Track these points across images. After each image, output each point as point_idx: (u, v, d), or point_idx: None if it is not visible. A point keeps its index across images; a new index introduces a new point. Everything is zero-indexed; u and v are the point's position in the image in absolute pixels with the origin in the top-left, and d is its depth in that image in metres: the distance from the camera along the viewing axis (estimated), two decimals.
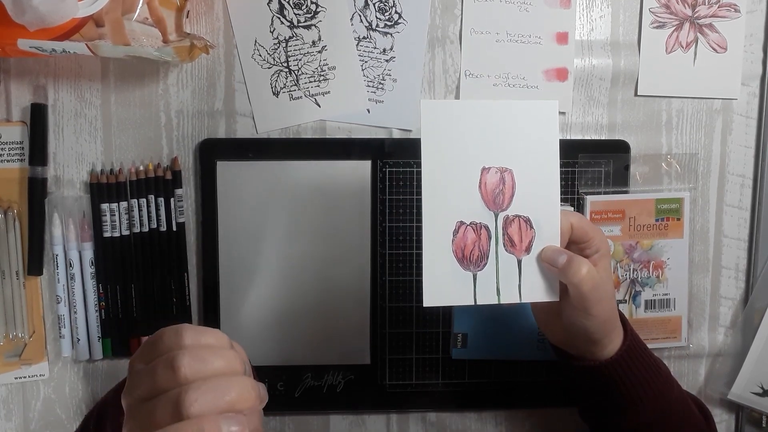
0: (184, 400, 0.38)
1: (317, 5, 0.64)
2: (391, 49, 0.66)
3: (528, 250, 0.52)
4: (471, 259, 0.51)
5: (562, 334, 0.57)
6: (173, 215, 0.65)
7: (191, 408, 0.38)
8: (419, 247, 0.65)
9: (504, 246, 0.51)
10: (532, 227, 0.52)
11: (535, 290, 0.52)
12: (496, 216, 0.51)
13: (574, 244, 0.53)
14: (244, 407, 0.40)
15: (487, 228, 0.51)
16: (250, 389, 0.40)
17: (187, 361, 0.39)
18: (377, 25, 0.65)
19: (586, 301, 0.51)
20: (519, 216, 0.52)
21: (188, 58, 0.59)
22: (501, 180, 0.51)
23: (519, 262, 0.52)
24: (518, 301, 0.52)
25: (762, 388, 0.70)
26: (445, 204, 0.50)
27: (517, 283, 0.52)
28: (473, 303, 0.51)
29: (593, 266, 0.51)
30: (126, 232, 0.64)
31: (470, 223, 0.51)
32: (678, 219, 0.69)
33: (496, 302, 0.52)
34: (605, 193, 0.68)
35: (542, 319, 0.59)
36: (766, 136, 0.70)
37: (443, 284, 0.51)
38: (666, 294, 0.69)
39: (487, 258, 0.51)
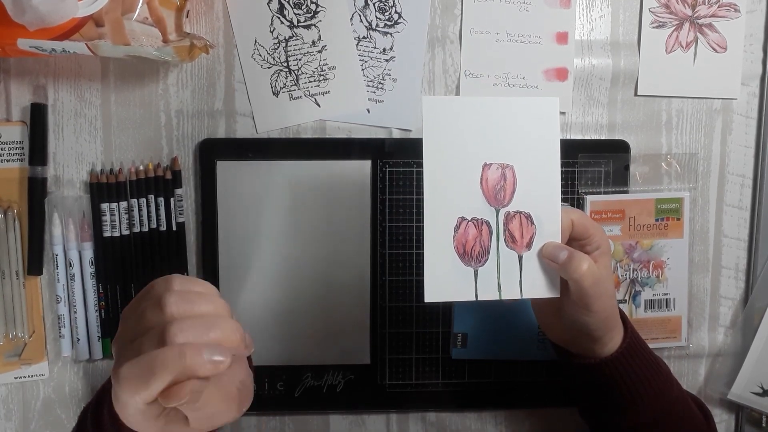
0: (168, 331, 0.38)
1: (317, 5, 0.64)
2: (391, 48, 0.66)
3: (529, 246, 0.52)
4: (472, 254, 0.51)
5: (562, 332, 0.57)
6: (173, 215, 0.65)
7: (175, 338, 0.38)
8: (419, 246, 0.66)
9: (505, 242, 0.52)
10: (533, 223, 0.52)
11: (536, 286, 0.52)
12: (497, 212, 0.51)
13: (574, 240, 0.53)
14: (229, 347, 0.40)
15: (488, 224, 0.51)
16: (235, 330, 0.41)
17: (174, 300, 0.40)
18: (377, 25, 0.65)
19: (586, 297, 0.51)
20: (520, 212, 0.52)
21: (188, 57, 0.59)
22: (502, 176, 0.51)
23: (520, 258, 0.52)
24: (519, 297, 0.52)
25: (762, 388, 0.70)
26: (446, 200, 0.50)
27: (518, 279, 0.52)
28: (474, 299, 0.51)
29: (594, 263, 0.51)
30: (126, 232, 0.64)
31: (471, 219, 0.51)
32: (678, 219, 0.69)
33: (497, 298, 0.52)
34: (605, 193, 0.68)
35: (543, 317, 0.59)
36: (766, 136, 0.70)
37: (444, 280, 0.51)
38: (666, 294, 0.69)
39: (488, 254, 0.51)
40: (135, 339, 0.40)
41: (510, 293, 0.52)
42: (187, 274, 0.66)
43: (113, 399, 0.42)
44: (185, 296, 0.41)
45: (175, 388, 0.38)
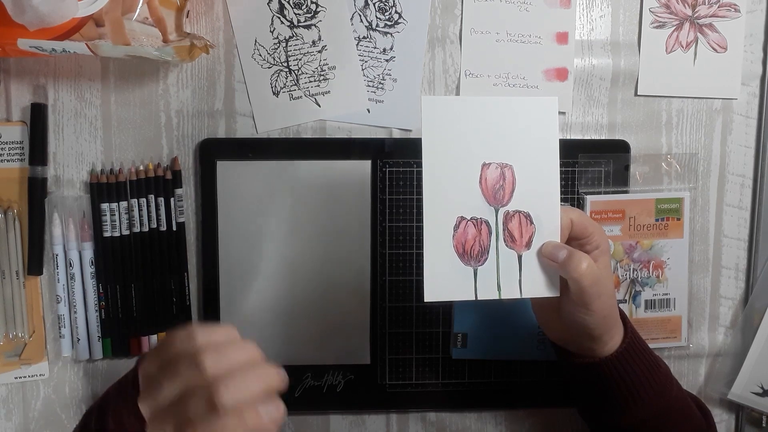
0: (217, 394, 0.38)
1: (317, 5, 0.64)
2: (391, 48, 0.66)
3: (528, 245, 0.52)
4: (471, 254, 0.51)
5: (562, 332, 0.57)
6: (173, 215, 0.65)
7: (226, 401, 0.38)
8: (419, 246, 0.66)
9: (504, 241, 0.52)
10: (532, 223, 0.52)
11: (535, 285, 0.52)
12: (497, 211, 0.51)
13: (574, 240, 0.53)
14: (274, 392, 0.41)
15: (487, 223, 0.51)
16: (275, 374, 0.42)
17: (211, 357, 0.40)
18: (377, 25, 0.65)
19: (586, 296, 0.51)
20: (519, 211, 0.52)
21: (188, 57, 0.59)
22: (501, 175, 0.51)
23: (519, 258, 0.52)
24: (519, 297, 0.52)
25: (762, 388, 0.70)
26: (445, 199, 0.50)
27: (517, 279, 0.52)
28: (474, 298, 0.51)
29: (593, 262, 0.51)
30: (126, 232, 0.64)
31: (471, 219, 0.51)
32: (678, 219, 0.69)
33: (497, 297, 0.52)
34: (605, 193, 0.68)
35: (542, 316, 0.59)
36: (766, 136, 0.70)
37: (444, 279, 0.51)
38: (666, 294, 0.69)
39: (488, 253, 0.51)
40: (177, 403, 0.40)
41: (509, 293, 0.52)
42: (187, 275, 0.66)
43: None
44: (219, 350, 0.41)
45: None
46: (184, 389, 0.40)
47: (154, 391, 0.41)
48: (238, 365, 0.41)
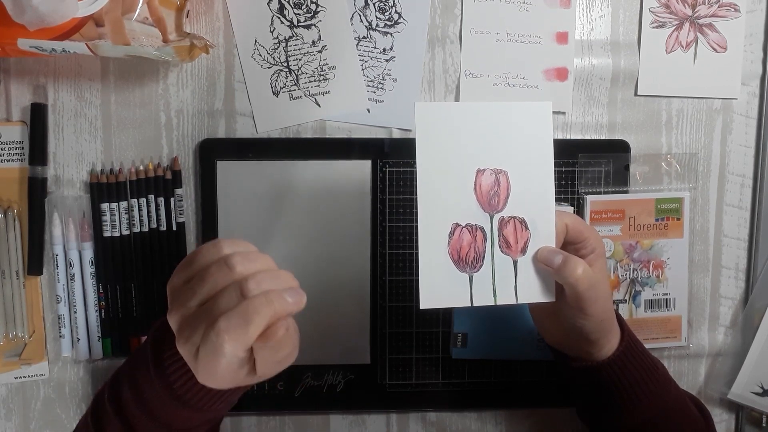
0: (246, 286, 0.43)
1: (317, 5, 0.64)
2: (391, 48, 0.66)
3: (524, 251, 0.52)
4: (467, 260, 0.51)
5: (559, 335, 0.57)
6: (173, 215, 0.65)
7: (254, 288, 0.43)
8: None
9: (500, 247, 0.51)
10: (527, 228, 0.52)
11: (531, 291, 0.52)
12: (492, 217, 0.51)
13: (569, 244, 0.53)
14: (294, 286, 0.46)
15: (482, 229, 0.51)
16: (292, 277, 0.46)
17: (240, 260, 0.44)
18: (377, 25, 0.65)
19: (582, 300, 0.51)
20: (514, 217, 0.52)
21: (188, 57, 0.59)
22: (496, 181, 0.51)
23: (515, 263, 0.52)
24: (515, 302, 0.52)
25: (762, 387, 0.70)
26: (440, 206, 0.50)
27: (513, 284, 0.52)
28: (470, 305, 0.51)
29: (589, 266, 0.51)
30: (126, 232, 0.64)
31: (466, 225, 0.51)
32: (678, 219, 0.69)
33: (493, 303, 0.52)
34: (605, 192, 0.68)
35: (539, 321, 0.59)
36: (766, 136, 0.70)
37: (439, 286, 0.51)
38: (666, 294, 0.69)
39: (483, 259, 0.51)
40: (208, 302, 0.43)
41: (505, 298, 0.52)
42: None
43: (197, 369, 0.45)
44: (245, 255, 0.45)
45: (272, 329, 0.43)
46: (215, 289, 0.44)
47: (185, 298, 0.44)
48: (262, 269, 0.45)
